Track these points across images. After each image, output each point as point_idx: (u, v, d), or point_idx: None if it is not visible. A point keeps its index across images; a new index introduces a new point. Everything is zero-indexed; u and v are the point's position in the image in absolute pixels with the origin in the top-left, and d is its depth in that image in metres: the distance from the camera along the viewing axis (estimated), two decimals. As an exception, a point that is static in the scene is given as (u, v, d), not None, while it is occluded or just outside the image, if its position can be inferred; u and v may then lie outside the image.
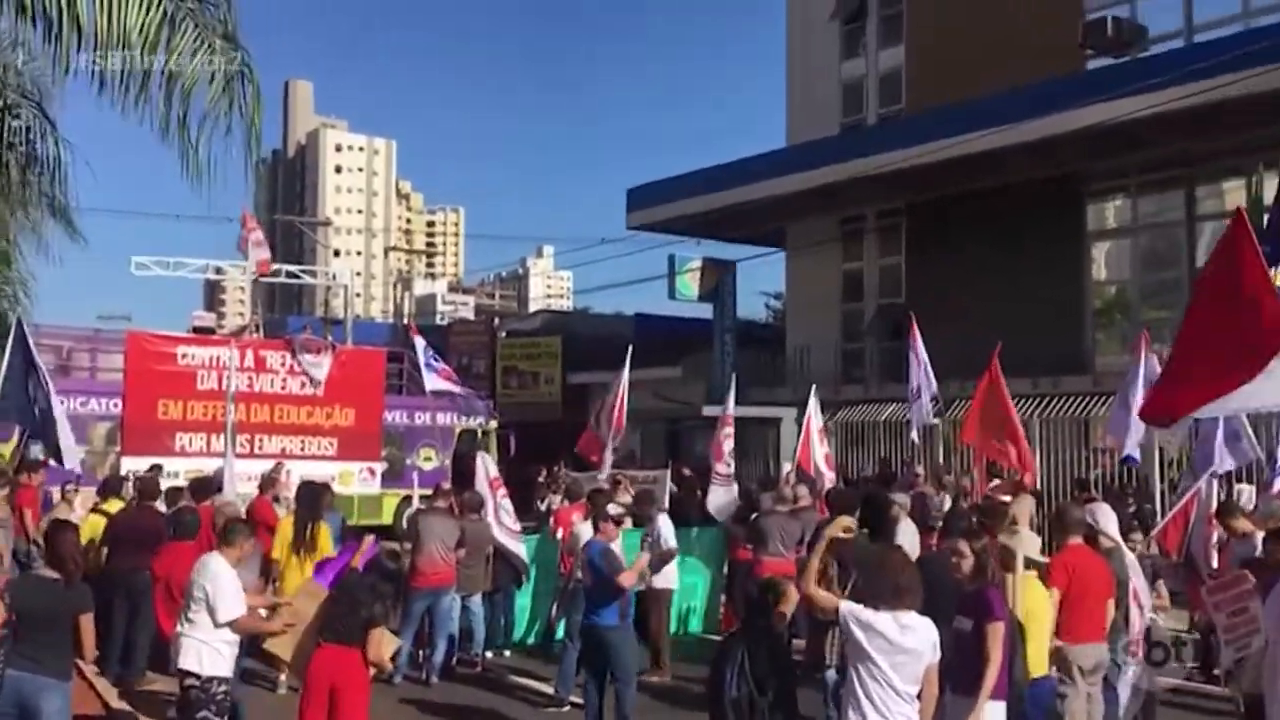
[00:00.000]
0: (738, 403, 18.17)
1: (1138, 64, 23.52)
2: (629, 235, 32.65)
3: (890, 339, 27.91)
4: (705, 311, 33.46)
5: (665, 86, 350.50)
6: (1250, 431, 12.06)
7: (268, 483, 13.64)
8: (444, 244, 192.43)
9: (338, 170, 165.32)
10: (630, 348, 17.21)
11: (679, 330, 35.37)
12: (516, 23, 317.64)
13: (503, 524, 12.73)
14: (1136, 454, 14.40)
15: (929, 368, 16.70)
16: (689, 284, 32.52)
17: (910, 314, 18.15)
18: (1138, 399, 12.99)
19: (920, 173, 24.22)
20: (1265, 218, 17.24)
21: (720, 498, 15.62)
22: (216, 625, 7.43)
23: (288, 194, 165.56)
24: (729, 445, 16.34)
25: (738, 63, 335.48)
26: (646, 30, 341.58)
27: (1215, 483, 11.42)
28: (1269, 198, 17.72)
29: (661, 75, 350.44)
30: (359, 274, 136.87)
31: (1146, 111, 19.92)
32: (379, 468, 22.29)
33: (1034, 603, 7.17)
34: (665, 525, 12.15)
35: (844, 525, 6.68)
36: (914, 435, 17.99)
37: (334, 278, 33.88)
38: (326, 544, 10.86)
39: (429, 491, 13.78)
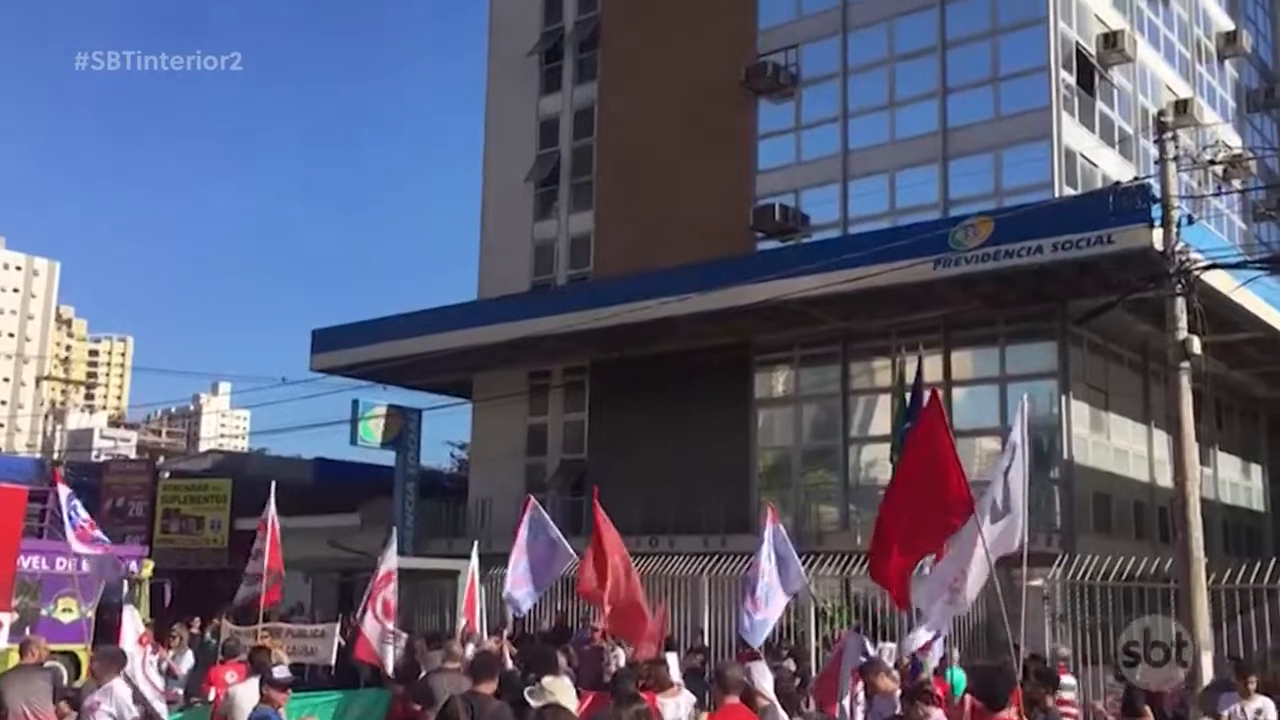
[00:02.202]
0: (417, 553, 17.81)
1: (801, 248, 25.83)
2: (314, 377, 31.81)
3: (572, 494, 28.42)
4: (389, 459, 32.82)
5: (359, 230, 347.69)
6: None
7: None
8: (107, 375, 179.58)
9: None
10: (274, 487, 16.47)
11: (360, 477, 34.41)
12: (201, 150, 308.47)
13: (150, 682, 11.69)
14: (752, 637, 13.37)
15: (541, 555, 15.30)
16: (372, 430, 31.87)
17: (527, 497, 16.89)
18: (762, 575, 13.21)
19: (605, 333, 25.20)
20: (908, 396, 19.20)
21: (387, 655, 14.88)
22: None
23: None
24: (393, 600, 15.84)
25: (435, 211, 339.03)
26: (341, 169, 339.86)
27: (863, 639, 12.13)
28: (911, 377, 19.65)
29: (358, 217, 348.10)
30: (4, 403, 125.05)
31: (807, 292, 21.75)
32: (7, 619, 20.06)
33: None
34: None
35: None
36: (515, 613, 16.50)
37: (-27, 406, 30.69)
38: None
39: (61, 647, 12.45)
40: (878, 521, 8.40)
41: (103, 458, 65.83)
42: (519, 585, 14.11)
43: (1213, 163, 17.43)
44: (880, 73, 27.44)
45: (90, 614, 20.99)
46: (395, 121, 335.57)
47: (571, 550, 14.07)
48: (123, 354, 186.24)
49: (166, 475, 38.32)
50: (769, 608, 13.36)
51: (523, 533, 14.19)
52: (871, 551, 8.51)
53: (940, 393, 23.50)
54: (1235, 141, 33.78)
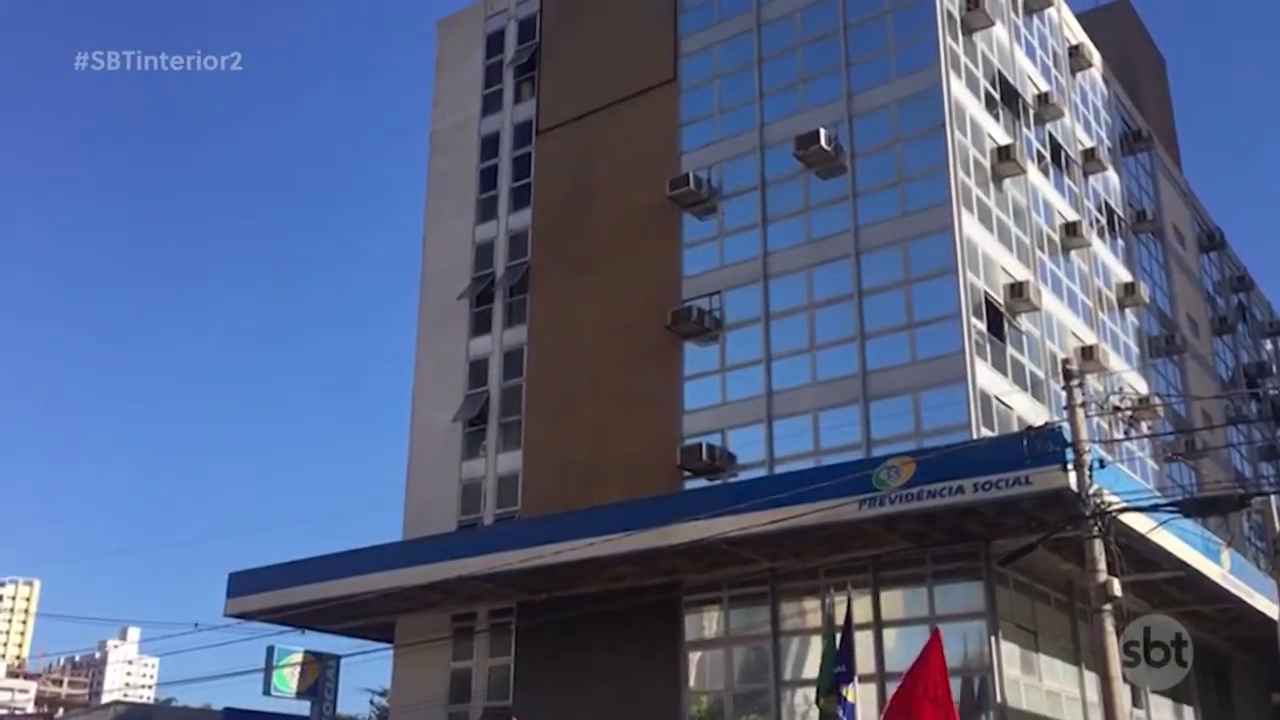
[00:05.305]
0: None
1: (728, 488, 25.95)
2: (229, 623, 30.59)
3: (495, 745, 27.21)
4: (305, 708, 31.32)
5: (279, 474, 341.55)
6: None
7: None
8: (10, 621, 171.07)
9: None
10: None
11: (272, 729, 32.67)
12: (113, 384, 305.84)
13: None
14: None
15: None
16: (286, 679, 30.54)
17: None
18: None
19: (532, 574, 24.78)
20: (837, 638, 18.91)
21: None
22: None
23: None
24: None
25: (360, 448, 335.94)
26: (264, 416, 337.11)
27: None
28: (840, 618, 19.41)
29: (280, 460, 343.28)
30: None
31: (735, 531, 21.72)
32: None
33: None
34: None
35: None
36: None
37: None
38: None
39: None
40: None
41: (-3, 711, 61.91)
42: None
43: (1118, 409, 18.10)
44: (800, 318, 28.39)
45: None
46: (322, 367, 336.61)
47: None
48: (29, 598, 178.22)
49: (63, 730, 36.13)
50: None
51: None
52: None
53: (871, 633, 23.38)
54: (1141, 385, 35.21)
